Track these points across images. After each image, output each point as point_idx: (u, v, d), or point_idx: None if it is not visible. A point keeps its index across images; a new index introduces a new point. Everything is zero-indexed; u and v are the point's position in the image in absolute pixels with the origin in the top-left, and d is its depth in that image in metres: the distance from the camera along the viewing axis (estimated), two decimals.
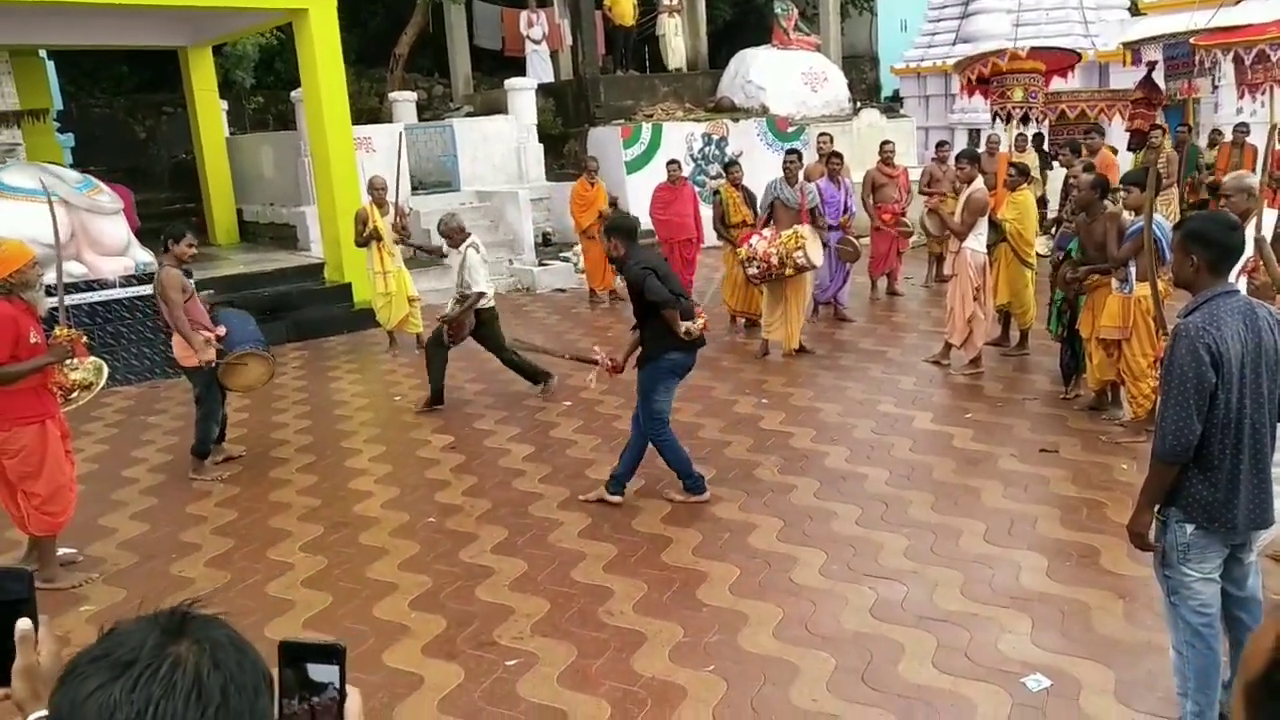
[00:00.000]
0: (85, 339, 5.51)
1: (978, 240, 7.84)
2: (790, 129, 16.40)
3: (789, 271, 8.33)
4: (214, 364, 6.40)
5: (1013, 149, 11.95)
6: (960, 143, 16.06)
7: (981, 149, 11.76)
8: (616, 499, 5.68)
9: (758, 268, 8.39)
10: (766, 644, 4.14)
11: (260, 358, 6.58)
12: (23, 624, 1.36)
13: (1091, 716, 3.54)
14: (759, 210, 9.06)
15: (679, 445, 5.73)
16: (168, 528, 5.81)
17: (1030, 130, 12.43)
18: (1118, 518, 5.08)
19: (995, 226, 8.11)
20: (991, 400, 7.31)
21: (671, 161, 11.44)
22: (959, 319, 7.92)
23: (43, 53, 13.98)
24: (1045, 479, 5.77)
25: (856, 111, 17.86)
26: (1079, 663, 3.87)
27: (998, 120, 11.68)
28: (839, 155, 10.16)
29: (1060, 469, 5.90)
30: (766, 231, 8.50)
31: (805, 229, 8.37)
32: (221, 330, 6.51)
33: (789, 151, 9.01)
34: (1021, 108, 10.72)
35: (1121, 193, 6.62)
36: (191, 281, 6.67)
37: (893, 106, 20.51)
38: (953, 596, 4.46)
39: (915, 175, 12.02)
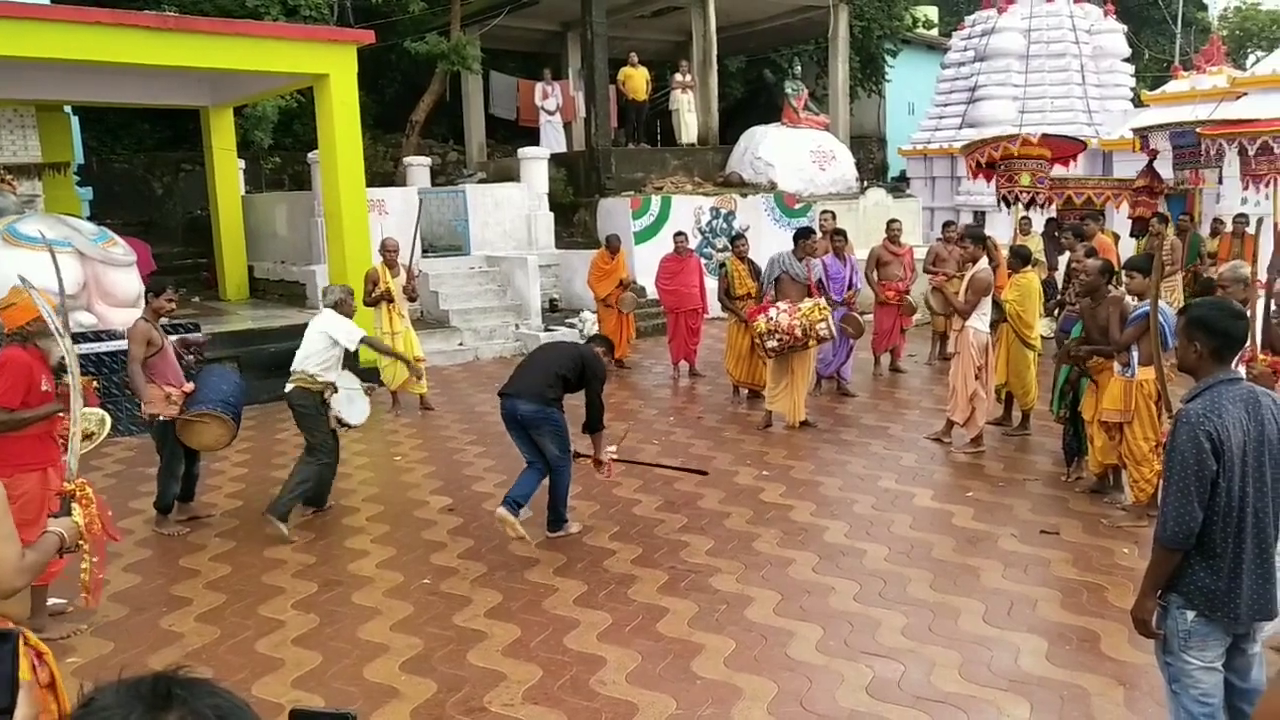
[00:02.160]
0: (96, 385, 5.55)
1: (981, 320, 7.89)
2: (798, 205, 16.63)
3: (811, 343, 8.46)
4: (169, 419, 6.29)
5: (1017, 232, 12.13)
6: (966, 223, 16.26)
7: (939, 235, 12.00)
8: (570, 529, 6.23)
9: (779, 340, 8.40)
10: None
11: (218, 419, 6.34)
12: None
13: None
14: (764, 283, 9.17)
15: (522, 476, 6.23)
16: (160, 580, 5.77)
17: (1043, 215, 12.60)
18: (1119, 602, 5.04)
19: (998, 306, 8.18)
20: (992, 480, 7.29)
21: (679, 233, 11.61)
22: (961, 397, 7.93)
23: (68, 108, 14.29)
24: (1046, 561, 5.73)
25: (863, 190, 18.14)
26: None
27: (1003, 204, 11.87)
28: (842, 232, 10.30)
29: (1061, 551, 5.86)
30: (783, 304, 8.54)
31: (823, 302, 8.55)
32: (189, 387, 6.42)
33: (805, 230, 9.15)
34: (1028, 192, 10.86)
35: (1125, 278, 6.70)
36: (171, 337, 6.66)
37: (899, 186, 20.84)
38: (950, 677, 4.39)
39: (920, 254, 12.15)
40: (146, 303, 6.57)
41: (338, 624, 5.08)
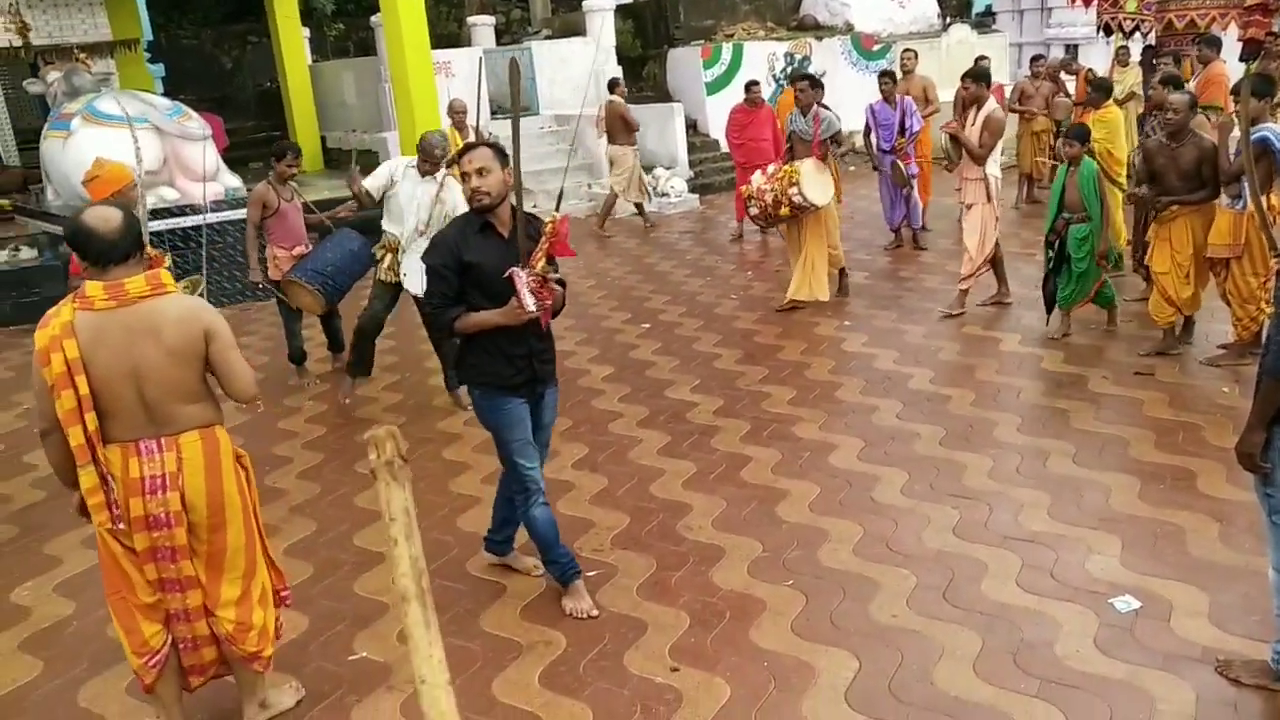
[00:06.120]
0: (168, 262, 5.63)
1: (995, 165, 7.34)
2: (876, 47, 15.87)
3: (784, 211, 7.48)
4: (273, 282, 6.70)
5: (1114, 64, 11.41)
6: (1058, 57, 15.33)
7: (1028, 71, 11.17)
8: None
9: (758, 208, 7.69)
10: (846, 560, 4.13)
11: (301, 286, 6.48)
12: None
13: (1183, 639, 3.44)
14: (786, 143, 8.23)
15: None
16: (261, 442, 6.00)
17: (1141, 44, 11.81)
18: (1217, 441, 4.92)
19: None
20: (1084, 322, 7.06)
21: (751, 82, 11.10)
22: (978, 252, 7.36)
23: None
24: (1139, 401, 5.58)
25: (946, 28, 17.17)
26: (1171, 585, 3.76)
27: (1103, 32, 11.13)
28: (889, 75, 9.55)
29: (1156, 391, 5.69)
30: (771, 168, 7.83)
31: (805, 164, 7.47)
32: (300, 250, 6.70)
33: (799, 77, 8.13)
34: (1133, 19, 10.10)
35: (1233, 104, 6.24)
36: (291, 201, 6.78)
37: (984, 21, 19.65)
38: (1039, 517, 4.37)
39: (1009, 94, 11.56)
40: (272, 168, 6.75)
41: (430, 479, 5.25)
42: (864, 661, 3.44)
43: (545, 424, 3.95)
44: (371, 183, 6.13)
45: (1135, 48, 11.87)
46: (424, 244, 5.94)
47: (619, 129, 11.63)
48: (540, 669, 3.54)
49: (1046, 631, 3.53)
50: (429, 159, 5.98)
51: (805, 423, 5.62)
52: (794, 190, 7.35)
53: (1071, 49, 17.33)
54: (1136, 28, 11.16)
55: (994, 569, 3.97)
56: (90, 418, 2.90)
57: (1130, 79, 11.09)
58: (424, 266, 5.82)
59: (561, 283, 3.69)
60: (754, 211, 7.73)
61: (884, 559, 4.12)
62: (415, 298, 5.89)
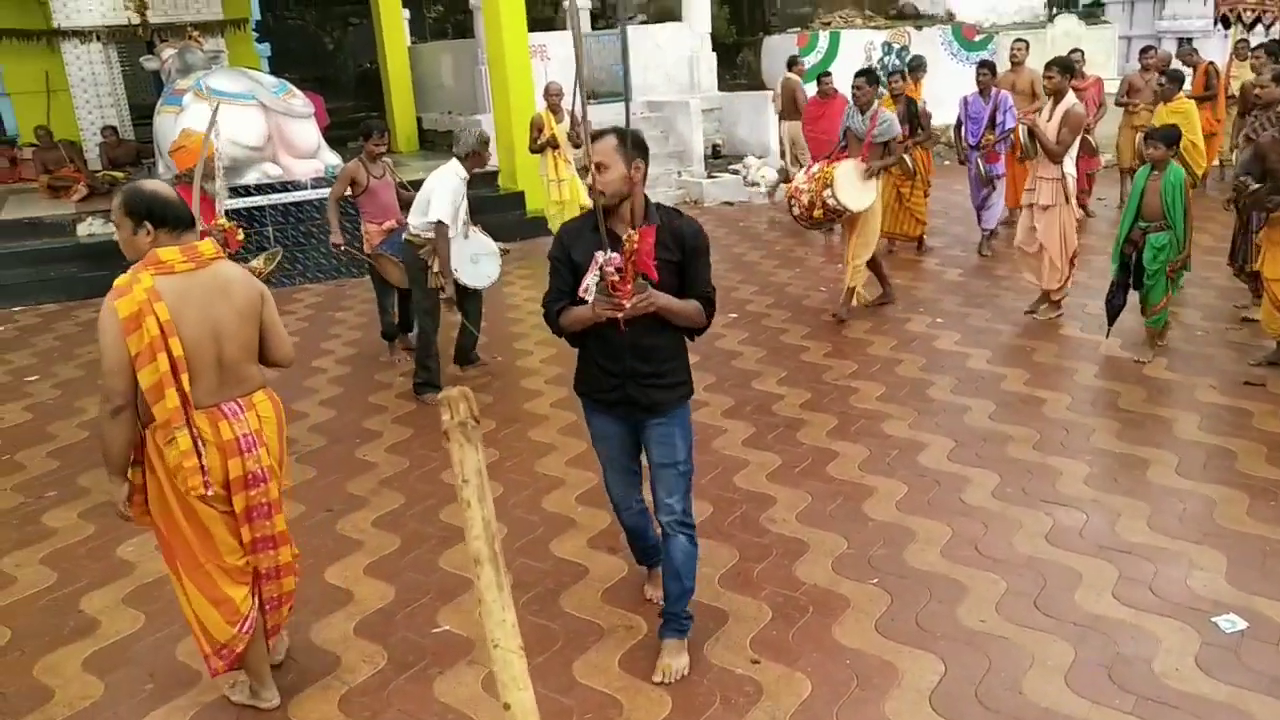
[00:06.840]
0: (241, 235, 5.71)
1: (1070, 163, 6.98)
2: (978, 37, 15.47)
3: (817, 214, 7.17)
4: (365, 255, 6.98)
5: (1232, 57, 10.93)
6: (1178, 48, 14.74)
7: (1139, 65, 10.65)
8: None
9: (799, 208, 7.36)
10: (934, 561, 4.05)
11: (390, 261, 6.58)
12: None
13: None
14: (841, 139, 7.66)
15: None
16: (352, 415, 6.16)
17: (1263, 36, 11.28)
18: None
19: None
20: (1189, 328, 6.79)
21: (824, 74, 10.84)
22: (1061, 259, 7.00)
23: None
24: (1249, 413, 5.34)
25: (1051, 18, 16.66)
26: None
27: (1221, 25, 10.68)
28: (988, 65, 9.17)
29: (1267, 403, 5.44)
30: (815, 166, 7.46)
31: (841, 165, 7.11)
32: (390, 224, 6.77)
33: (859, 74, 7.62)
34: (1255, 10, 9.66)
35: None
36: (382, 178, 6.87)
37: (1093, 12, 19.02)
38: (1138, 528, 4.22)
39: (1112, 89, 11.14)
40: (362, 147, 6.90)
41: (516, 458, 5.31)
42: (950, 666, 3.37)
43: (656, 462, 3.35)
44: (449, 212, 5.88)
45: (1256, 41, 11.35)
46: (474, 233, 6.25)
47: (790, 107, 11.89)
48: (621, 653, 3.56)
49: (1144, 647, 3.41)
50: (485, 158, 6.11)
51: (894, 420, 5.52)
52: (828, 193, 7.01)
53: (1185, 42, 16.64)
54: (1258, 19, 10.66)
55: (1089, 579, 3.85)
56: (184, 379, 2.95)
57: (1248, 74, 10.61)
58: (471, 253, 6.06)
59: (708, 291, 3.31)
60: (796, 212, 7.38)
61: (973, 562, 4.03)
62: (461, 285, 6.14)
